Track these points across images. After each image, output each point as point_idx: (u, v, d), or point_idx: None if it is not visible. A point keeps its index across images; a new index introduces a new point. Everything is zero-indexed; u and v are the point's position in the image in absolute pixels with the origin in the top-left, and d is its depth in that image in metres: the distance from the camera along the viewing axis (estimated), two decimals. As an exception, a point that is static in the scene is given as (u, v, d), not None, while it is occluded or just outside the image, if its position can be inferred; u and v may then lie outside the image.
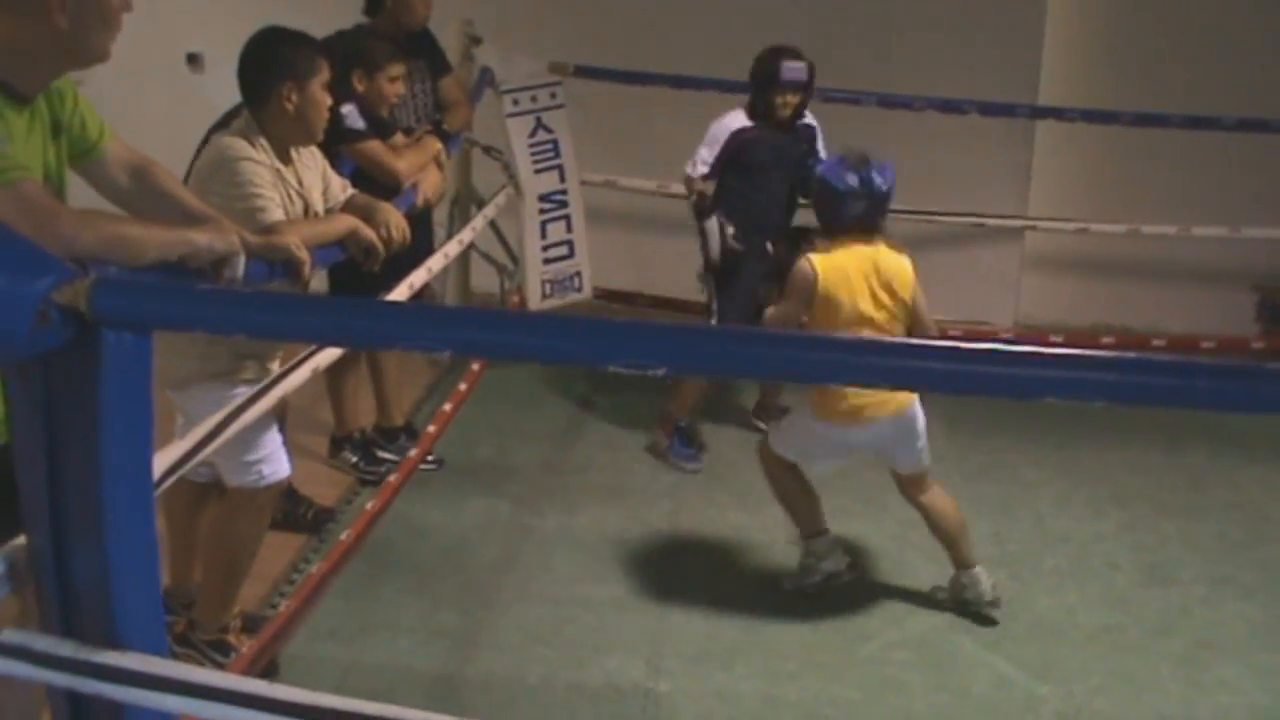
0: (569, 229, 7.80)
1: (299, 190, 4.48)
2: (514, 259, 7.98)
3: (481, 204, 7.66)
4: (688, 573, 5.75)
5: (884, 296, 5.24)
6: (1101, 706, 4.89)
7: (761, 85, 6.67)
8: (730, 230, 6.69)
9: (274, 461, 4.56)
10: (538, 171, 7.60)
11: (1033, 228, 8.80)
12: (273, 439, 4.56)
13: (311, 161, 4.63)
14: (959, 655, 5.18)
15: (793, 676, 4.98)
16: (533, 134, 7.54)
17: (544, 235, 7.70)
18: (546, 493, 6.44)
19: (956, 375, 2.08)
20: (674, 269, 8.27)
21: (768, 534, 6.07)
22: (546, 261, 7.74)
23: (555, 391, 7.74)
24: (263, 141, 4.40)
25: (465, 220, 7.62)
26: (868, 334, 5.12)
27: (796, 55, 6.64)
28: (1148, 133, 8.22)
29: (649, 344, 2.18)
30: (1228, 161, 8.51)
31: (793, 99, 6.63)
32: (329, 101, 4.53)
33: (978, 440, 7.25)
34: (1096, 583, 5.82)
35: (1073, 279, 8.99)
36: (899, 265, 5.27)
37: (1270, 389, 1.97)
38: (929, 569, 5.72)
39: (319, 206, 4.58)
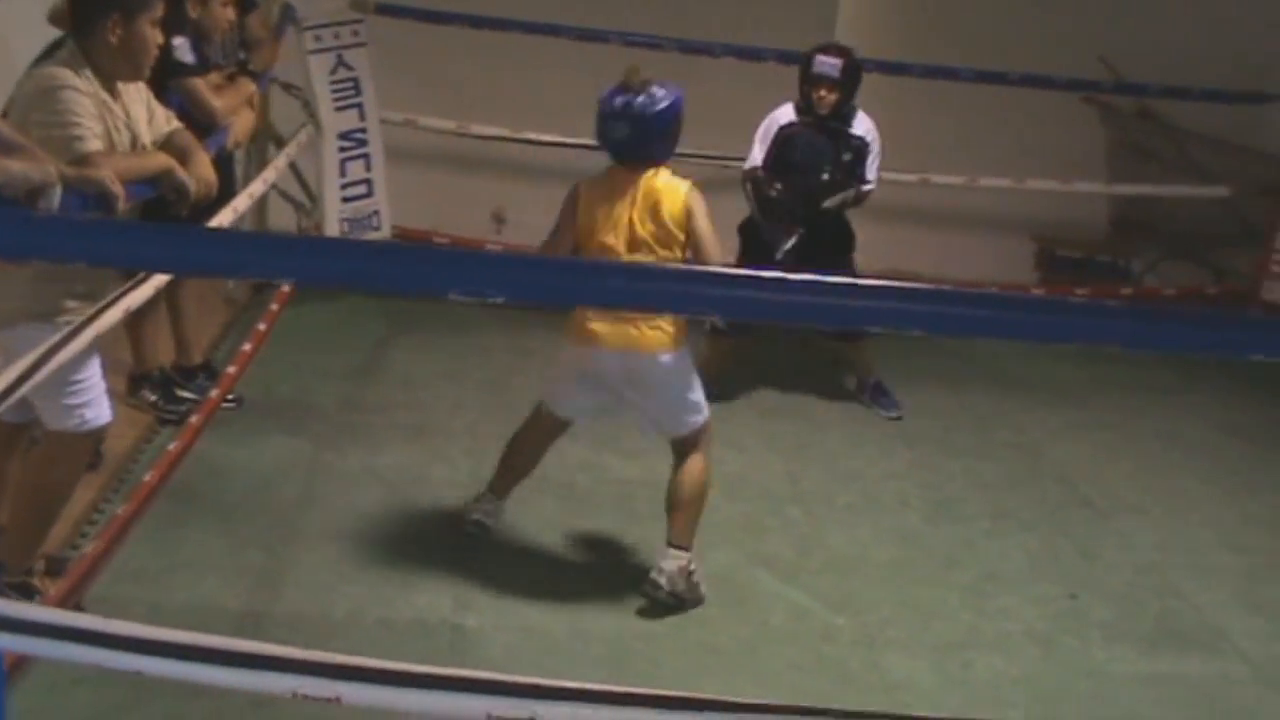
0: (368, 167, 7.81)
1: (127, 122, 4.43)
2: (311, 197, 7.96)
3: (279, 142, 7.60)
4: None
5: (649, 223, 5.07)
6: (894, 635, 5.16)
7: (800, 78, 6.85)
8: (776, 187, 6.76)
9: (97, 406, 4.52)
10: (338, 109, 7.58)
11: (830, 174, 9.01)
12: (96, 384, 4.52)
13: (138, 94, 4.58)
14: (757, 589, 5.39)
15: (598, 611, 5.12)
16: (334, 71, 7.52)
17: (343, 173, 7.69)
18: (348, 431, 6.47)
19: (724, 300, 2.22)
20: (470, 209, 8.37)
21: (568, 472, 6.20)
22: (345, 200, 7.74)
23: (353, 331, 7.74)
24: (87, 72, 4.33)
25: (262, 158, 7.57)
26: (625, 258, 5.06)
27: (839, 50, 6.80)
28: (938, 85, 8.51)
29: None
30: (1013, 115, 8.85)
31: (826, 94, 6.74)
32: (159, 39, 4.47)
33: (773, 382, 7.48)
34: (887, 518, 6.10)
35: (865, 226, 9.25)
36: (670, 194, 5.07)
37: (1040, 319, 2.17)
38: (728, 507, 5.92)
39: (146, 139, 4.53)
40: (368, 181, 7.82)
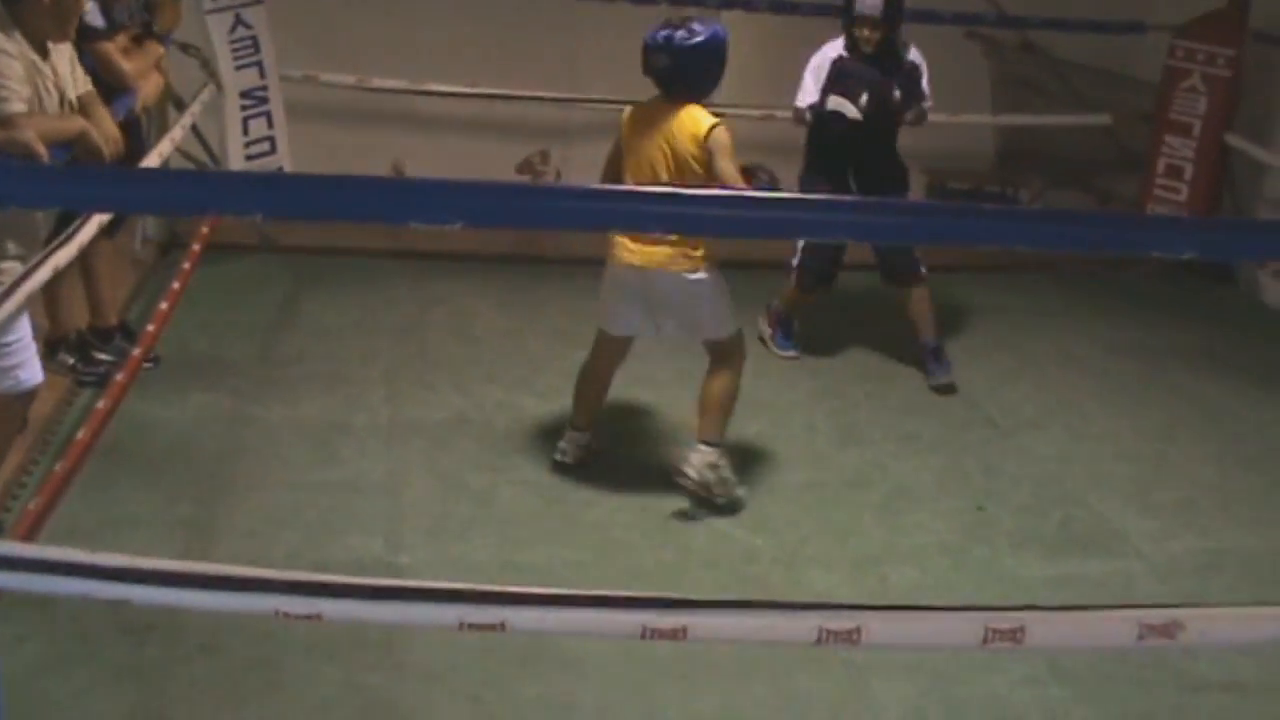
0: (270, 125, 7.87)
1: (56, 82, 4.51)
2: (215, 157, 8.00)
3: (180, 103, 7.63)
4: (414, 453, 5.99)
5: (673, 155, 5.43)
6: (812, 552, 5.39)
7: (843, 17, 6.93)
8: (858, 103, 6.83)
9: (30, 367, 4.60)
10: (238, 68, 7.62)
11: (720, 114, 9.11)
12: (28, 344, 4.60)
13: (65, 53, 4.66)
14: (677, 516, 5.57)
15: (526, 543, 5.30)
16: (232, 30, 7.55)
17: (246, 131, 7.75)
18: (267, 384, 6.57)
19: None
20: (372, 162, 8.43)
21: (484, 413, 6.37)
22: (249, 158, 7.79)
23: (263, 287, 7.80)
24: (17, 34, 4.39)
25: (164, 120, 7.59)
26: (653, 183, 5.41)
27: None
28: (824, 21, 8.64)
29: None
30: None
31: (870, 33, 6.79)
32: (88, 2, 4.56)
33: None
34: (797, 444, 6.32)
35: (756, 160, 9.39)
36: (693, 128, 5.40)
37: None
38: (641, 439, 6.11)
39: (73, 98, 4.62)
40: (270, 139, 7.89)
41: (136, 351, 6.14)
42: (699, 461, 5.56)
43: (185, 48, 7.62)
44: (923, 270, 7.07)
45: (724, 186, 5.28)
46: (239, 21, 7.60)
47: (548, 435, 6.14)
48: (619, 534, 5.41)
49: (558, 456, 5.89)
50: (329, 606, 2.79)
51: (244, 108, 7.72)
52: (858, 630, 2.74)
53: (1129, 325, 8.08)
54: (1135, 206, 8.88)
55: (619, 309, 5.76)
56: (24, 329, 4.51)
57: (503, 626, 2.70)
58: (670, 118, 5.47)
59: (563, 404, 6.40)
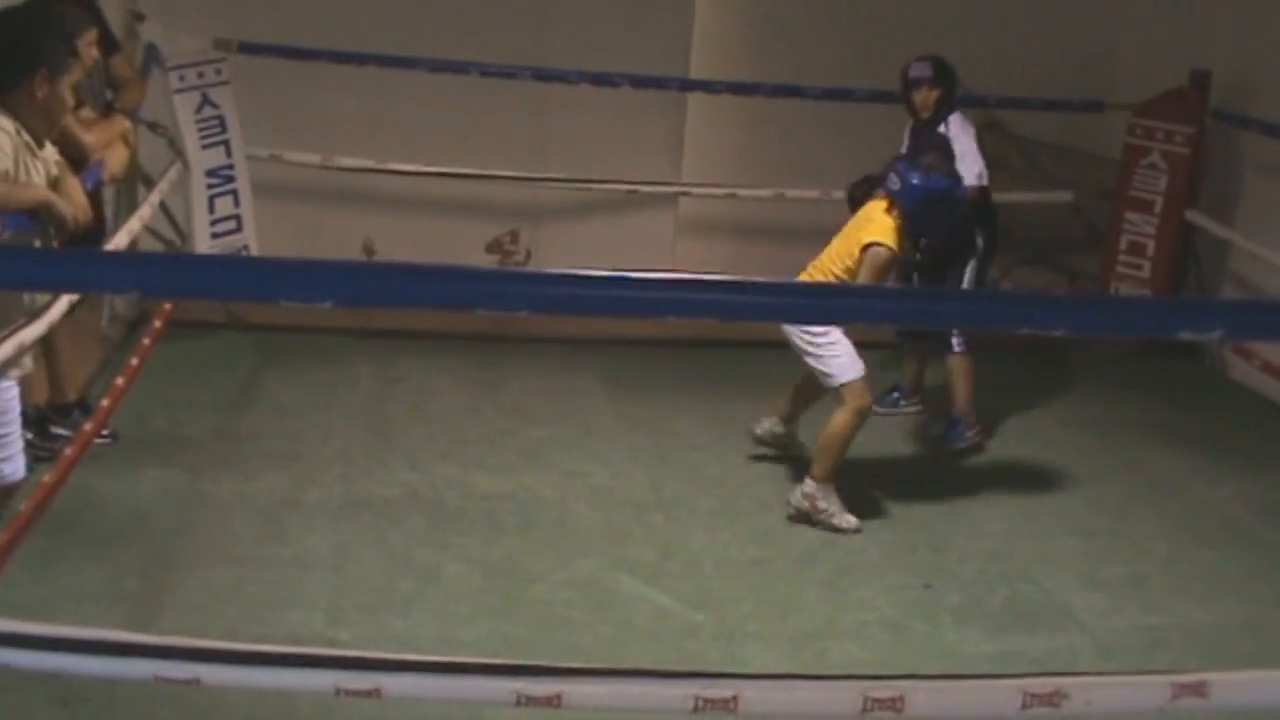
0: (236, 203, 7.94)
1: (48, 170, 4.62)
2: (181, 234, 8.07)
3: (149, 181, 7.71)
4: (363, 529, 6.00)
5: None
6: (753, 628, 5.40)
7: (901, 90, 7.44)
8: None
9: (14, 461, 4.65)
10: (205, 147, 7.71)
11: (686, 194, 9.26)
12: (16, 439, 4.64)
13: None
14: (620, 592, 5.60)
15: (467, 619, 5.31)
16: (199, 110, 7.64)
17: (212, 210, 7.82)
18: (222, 460, 6.60)
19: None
20: (339, 240, 8.49)
21: (435, 490, 6.39)
22: (214, 236, 7.86)
23: (225, 364, 7.84)
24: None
25: (132, 198, 7.67)
26: None
27: (930, 57, 7.31)
28: (789, 104, 8.79)
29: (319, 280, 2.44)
30: (862, 129, 9.13)
31: (919, 95, 7.26)
32: (71, 101, 4.66)
33: (635, 395, 7.72)
34: (747, 522, 6.33)
35: (724, 242, 9.50)
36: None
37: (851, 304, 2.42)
38: (592, 515, 6.14)
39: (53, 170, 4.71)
40: (237, 217, 7.96)
41: (88, 426, 6.18)
42: (799, 493, 6.30)
43: (153, 126, 7.70)
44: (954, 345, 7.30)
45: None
46: (205, 101, 7.69)
47: (495, 512, 6.20)
48: (560, 610, 5.41)
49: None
50: (207, 672, 2.81)
51: (210, 186, 7.80)
52: (734, 699, 2.75)
53: (1090, 401, 8.12)
54: (1100, 283, 8.91)
55: None
56: (13, 423, 4.55)
57: (378, 693, 2.72)
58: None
59: (517, 480, 6.47)
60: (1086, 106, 9.01)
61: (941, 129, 7.19)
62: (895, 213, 6.31)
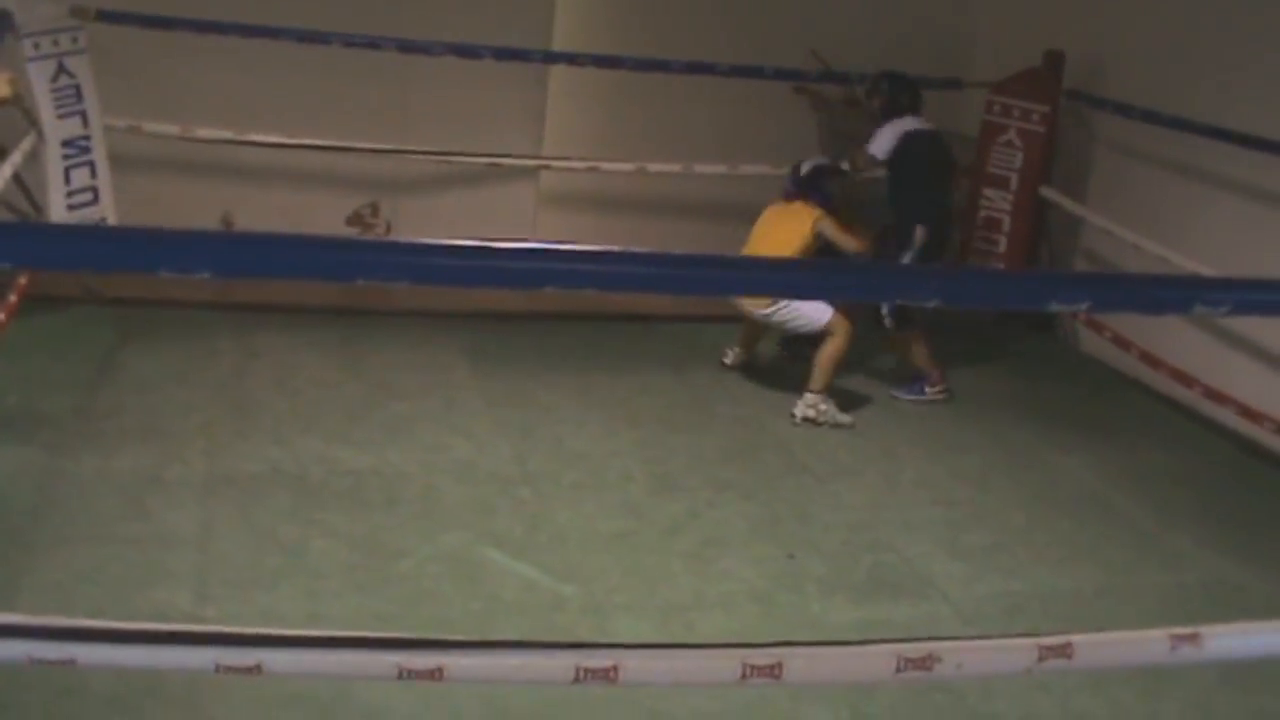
0: (93, 175, 7.78)
1: None
2: (36, 206, 7.89)
3: (1, 151, 7.53)
4: (227, 505, 5.93)
5: None
6: (621, 600, 5.43)
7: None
8: None
9: None
10: (60, 117, 7.53)
11: (547, 167, 9.25)
12: None
13: None
14: (487, 566, 5.60)
15: (335, 595, 5.27)
16: (55, 79, 7.46)
17: (68, 181, 7.65)
18: (80, 438, 6.47)
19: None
20: (197, 212, 8.37)
21: (300, 465, 6.33)
22: (70, 208, 7.69)
23: (82, 340, 7.67)
24: None
25: (-14, 165, 7.49)
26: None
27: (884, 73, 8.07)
28: (653, 77, 8.82)
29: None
30: (725, 104, 9.21)
31: (873, 101, 8.09)
32: None
33: (499, 369, 7.71)
34: (613, 494, 6.36)
35: (586, 215, 9.51)
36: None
37: (720, 275, 2.44)
38: (456, 490, 6.14)
39: None
40: (93, 189, 7.80)
41: (-58, 405, 6.05)
42: (801, 405, 7.42)
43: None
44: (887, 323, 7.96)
45: None
46: (61, 69, 7.52)
47: (360, 487, 6.15)
48: (428, 584, 5.40)
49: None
50: (81, 651, 2.77)
51: (66, 157, 7.63)
52: (614, 668, 2.77)
53: (948, 374, 8.25)
54: (958, 257, 9.06)
55: None
56: None
57: (259, 669, 2.70)
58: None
59: (382, 455, 6.44)
60: (945, 84, 9.14)
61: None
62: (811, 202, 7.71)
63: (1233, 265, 7.39)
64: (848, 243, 7.53)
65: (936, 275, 2.83)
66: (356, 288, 8.10)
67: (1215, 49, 7.99)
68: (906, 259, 7.73)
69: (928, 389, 7.95)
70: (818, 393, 7.44)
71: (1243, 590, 5.98)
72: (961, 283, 2.83)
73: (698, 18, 9.25)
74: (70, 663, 2.77)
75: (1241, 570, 6.15)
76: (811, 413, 7.41)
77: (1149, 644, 3.23)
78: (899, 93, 7.99)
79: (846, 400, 7.65)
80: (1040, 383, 8.40)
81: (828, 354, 7.44)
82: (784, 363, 8.25)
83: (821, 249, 7.56)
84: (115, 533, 5.62)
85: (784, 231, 7.59)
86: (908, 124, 7.88)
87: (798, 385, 7.69)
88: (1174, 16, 8.36)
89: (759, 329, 8.01)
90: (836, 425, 7.39)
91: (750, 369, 8.08)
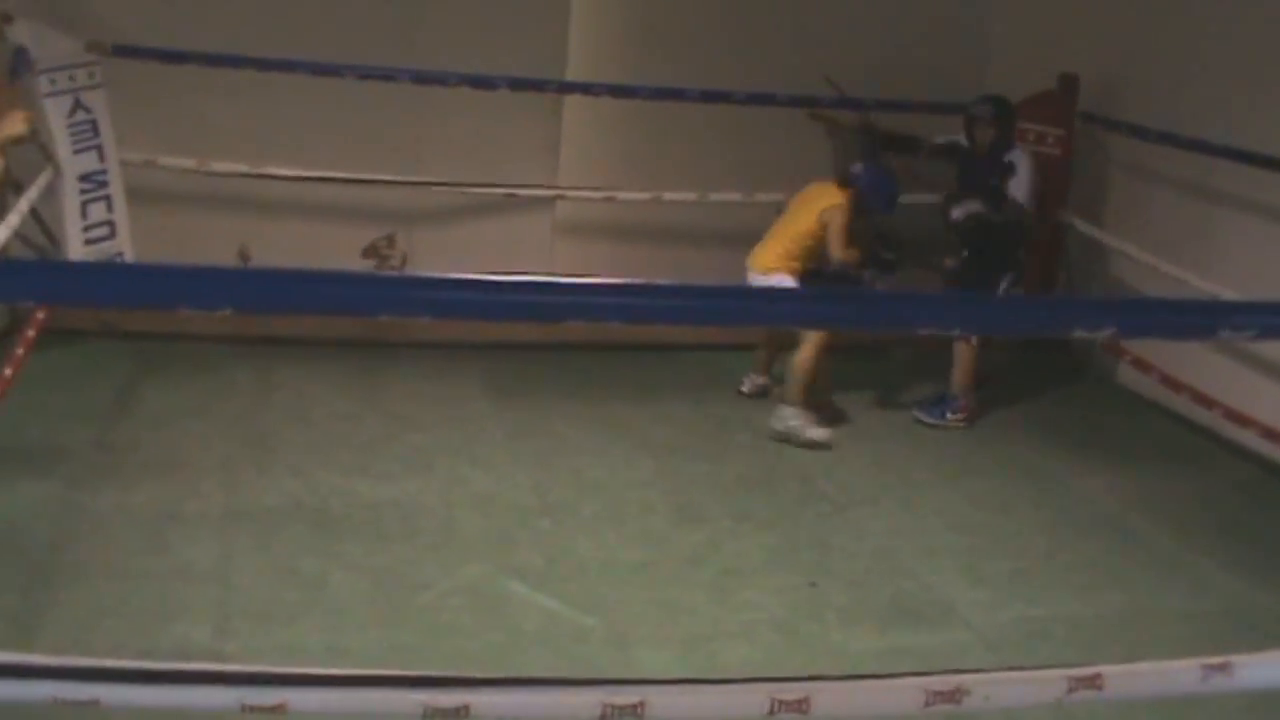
0: (110, 209, 7.79)
1: None
2: (53, 241, 7.91)
3: (18, 187, 7.54)
4: (246, 539, 5.91)
5: None
6: (643, 632, 5.40)
7: (964, 125, 8.26)
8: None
9: None
10: (77, 152, 7.55)
11: (563, 197, 9.25)
12: None
13: None
14: (509, 598, 5.57)
15: (356, 628, 5.25)
16: (71, 114, 7.48)
17: (85, 216, 7.67)
18: (100, 472, 6.46)
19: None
20: (214, 246, 8.37)
21: (318, 497, 6.32)
22: (88, 242, 7.71)
23: (100, 373, 7.70)
24: None
25: (2, 203, 7.50)
26: None
27: (991, 99, 8.15)
28: (668, 106, 8.82)
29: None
30: (740, 131, 9.21)
31: (979, 131, 8.07)
32: None
33: (517, 400, 7.71)
34: (633, 524, 6.35)
35: (602, 244, 9.50)
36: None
37: (733, 304, 2.43)
38: (476, 522, 6.13)
39: None
40: (110, 224, 7.81)
41: (-39, 440, 6.06)
42: (775, 418, 7.42)
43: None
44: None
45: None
46: (78, 105, 7.54)
47: (379, 519, 6.14)
48: (449, 617, 5.38)
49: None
50: (105, 692, 2.75)
51: (83, 192, 7.64)
52: (641, 704, 2.76)
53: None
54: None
55: None
56: None
57: (283, 709, 2.68)
58: None
59: (401, 487, 6.43)
60: (960, 108, 9.11)
61: (1008, 159, 8.00)
62: (849, 190, 7.72)
63: (1253, 288, 7.35)
64: (837, 244, 7.57)
65: (961, 304, 2.81)
66: (374, 320, 8.17)
67: (1231, 70, 7.97)
68: (1003, 289, 7.97)
69: (949, 414, 7.93)
70: (792, 405, 7.44)
71: (1268, 613, 5.93)
72: (986, 311, 2.81)
73: (711, 46, 9.25)
74: (94, 703, 2.76)
75: (1266, 594, 6.11)
76: (781, 426, 7.42)
77: (1180, 674, 3.21)
78: (1012, 120, 8.13)
79: (865, 425, 7.64)
80: (1058, 406, 8.39)
81: (800, 364, 7.43)
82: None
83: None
84: (134, 567, 5.60)
85: (805, 210, 7.74)
86: (1016, 155, 8.02)
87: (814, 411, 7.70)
88: (1188, 38, 8.35)
89: (773, 354, 7.97)
90: (808, 444, 7.37)
91: (768, 396, 8.04)
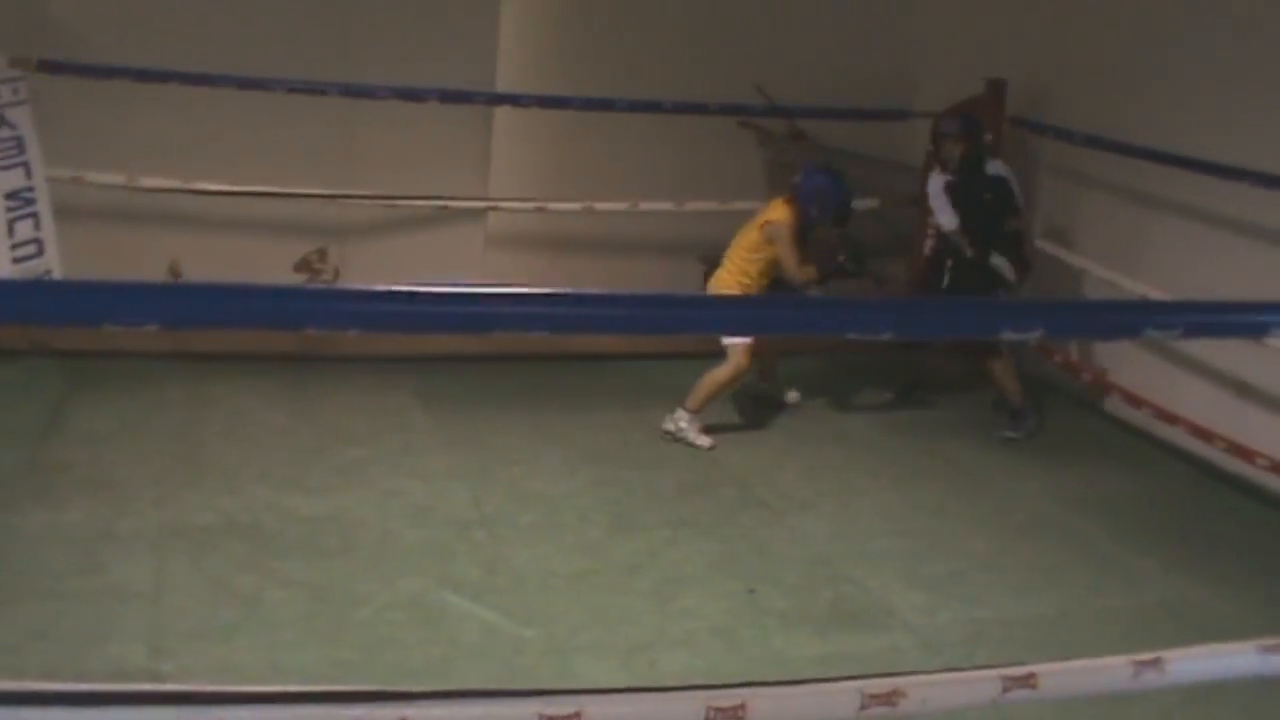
0: (37, 227, 7.68)
1: None
2: (-20, 260, 7.82)
3: (-58, 206, 7.46)
4: (181, 557, 5.85)
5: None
6: (582, 641, 5.39)
7: (931, 141, 8.34)
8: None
9: None
10: (2, 169, 7.43)
11: (495, 208, 9.24)
12: None
13: None
14: (447, 611, 5.54)
15: (293, 645, 5.20)
16: (-6, 131, 7.41)
17: (11, 234, 7.56)
18: (30, 492, 6.38)
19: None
20: (144, 261, 8.30)
21: (253, 513, 6.27)
22: (16, 260, 7.60)
23: (31, 391, 7.63)
24: None
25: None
26: None
27: (959, 116, 8.14)
28: (599, 116, 8.83)
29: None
30: (670, 141, 9.23)
31: (948, 146, 8.01)
32: None
33: (452, 411, 7.69)
34: (571, 534, 6.33)
35: (535, 255, 9.50)
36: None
37: (661, 313, 2.43)
38: (413, 535, 6.10)
39: None
40: (38, 241, 7.70)
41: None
42: (670, 418, 7.54)
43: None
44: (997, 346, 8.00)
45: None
46: (2, 121, 7.43)
47: (316, 534, 6.10)
48: (387, 631, 5.34)
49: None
50: (39, 716, 2.71)
51: (10, 210, 7.53)
52: (578, 715, 2.74)
53: (903, 402, 8.27)
54: (905, 286, 9.09)
55: None
56: None
57: (219, 728, 2.66)
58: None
59: (336, 501, 6.39)
60: (890, 115, 9.20)
61: (992, 171, 8.06)
62: (792, 201, 7.63)
63: (1181, 288, 7.44)
64: (790, 261, 7.52)
65: (889, 307, 2.82)
66: (306, 334, 8.10)
67: (1156, 74, 8.07)
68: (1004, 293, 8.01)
69: (1029, 421, 8.10)
70: (690, 411, 7.52)
71: (1203, 609, 6.00)
72: (915, 314, 2.82)
73: (641, 57, 9.27)
74: (24, 726, 2.72)
75: (1201, 589, 6.18)
76: (672, 426, 7.53)
77: (1112, 671, 3.22)
78: (980, 133, 8.12)
79: (802, 430, 7.66)
80: (993, 409, 8.42)
81: (713, 379, 7.52)
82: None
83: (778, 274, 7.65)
84: (67, 588, 5.53)
85: (751, 225, 7.71)
86: (1000, 168, 8.05)
87: (754, 421, 7.72)
88: (1115, 43, 8.44)
89: (772, 360, 8.17)
90: (692, 445, 7.47)
91: (784, 398, 8.28)
